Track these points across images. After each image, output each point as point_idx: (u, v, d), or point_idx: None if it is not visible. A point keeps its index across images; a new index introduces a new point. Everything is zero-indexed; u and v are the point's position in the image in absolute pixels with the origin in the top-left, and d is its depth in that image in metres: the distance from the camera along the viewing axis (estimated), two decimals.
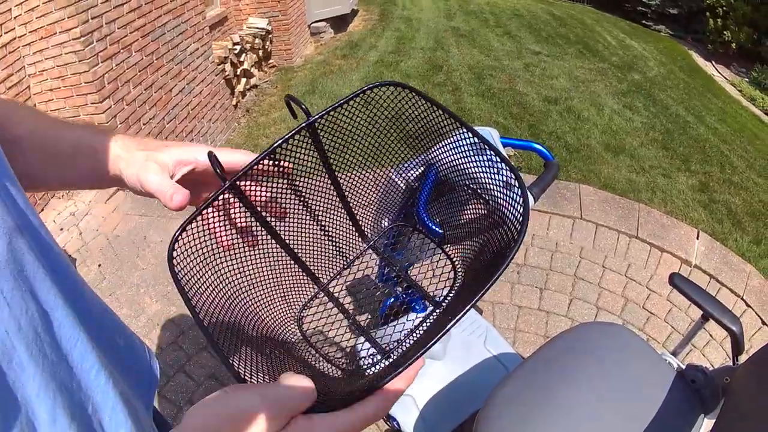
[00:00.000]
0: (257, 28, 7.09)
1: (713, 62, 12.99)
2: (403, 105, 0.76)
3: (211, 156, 0.62)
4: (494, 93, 6.08)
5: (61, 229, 3.42)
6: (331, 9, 8.97)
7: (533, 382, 1.48)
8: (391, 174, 1.51)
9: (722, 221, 3.89)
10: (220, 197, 0.65)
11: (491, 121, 5.28)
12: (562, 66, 7.58)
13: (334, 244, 0.92)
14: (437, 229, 1.15)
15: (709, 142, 5.58)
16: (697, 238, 3.47)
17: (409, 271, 1.05)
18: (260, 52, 7.16)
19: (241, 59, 6.61)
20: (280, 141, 0.68)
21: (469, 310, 0.56)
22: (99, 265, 3.17)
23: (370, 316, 2.72)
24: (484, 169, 0.86)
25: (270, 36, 7.45)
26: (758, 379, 1.25)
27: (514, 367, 2.06)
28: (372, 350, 0.90)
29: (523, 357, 2.34)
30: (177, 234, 0.61)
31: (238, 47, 6.43)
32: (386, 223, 1.54)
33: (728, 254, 3.44)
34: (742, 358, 1.43)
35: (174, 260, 0.59)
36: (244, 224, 0.73)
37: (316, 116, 0.70)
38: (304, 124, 0.70)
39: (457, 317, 0.55)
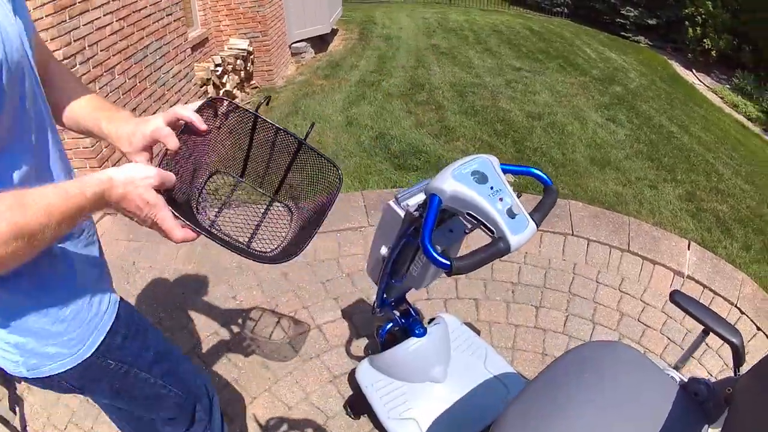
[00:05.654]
0: (238, 49, 7.07)
1: (693, 71, 13.18)
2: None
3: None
4: (477, 110, 6.07)
5: None
6: (312, 29, 8.99)
7: (539, 404, 1.45)
8: (390, 203, 1.48)
9: (711, 229, 3.89)
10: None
11: (476, 139, 5.27)
12: (544, 81, 7.61)
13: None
14: (444, 260, 1.11)
15: (693, 152, 5.61)
16: (689, 249, 3.45)
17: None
18: (242, 73, 7.15)
19: (223, 80, 6.59)
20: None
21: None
22: None
23: (368, 341, 2.68)
24: (486, 197, 0.83)
25: (251, 57, 7.44)
26: (760, 389, 1.27)
27: (515, 386, 2.03)
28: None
29: (523, 376, 2.31)
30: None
31: (219, 69, 6.41)
32: (384, 252, 1.50)
33: (719, 263, 3.43)
34: (744, 369, 1.45)
35: None
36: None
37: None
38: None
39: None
